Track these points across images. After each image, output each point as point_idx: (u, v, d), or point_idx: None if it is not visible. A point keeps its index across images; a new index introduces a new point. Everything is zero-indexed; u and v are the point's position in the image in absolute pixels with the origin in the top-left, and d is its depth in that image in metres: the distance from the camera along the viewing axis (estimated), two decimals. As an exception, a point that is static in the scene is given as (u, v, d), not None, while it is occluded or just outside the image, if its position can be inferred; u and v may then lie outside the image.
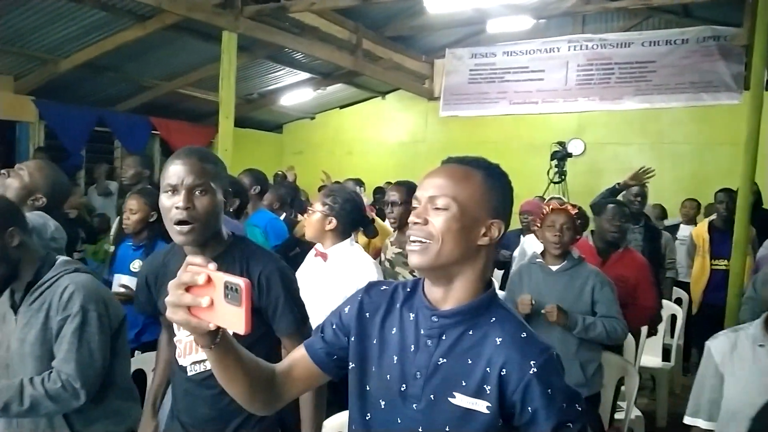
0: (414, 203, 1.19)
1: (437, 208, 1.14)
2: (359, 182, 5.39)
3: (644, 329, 3.68)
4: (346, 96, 9.56)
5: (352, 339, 1.22)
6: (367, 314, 1.23)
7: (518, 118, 8.46)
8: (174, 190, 1.46)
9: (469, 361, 1.13)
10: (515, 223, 5.72)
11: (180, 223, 1.45)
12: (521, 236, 4.58)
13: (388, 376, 1.18)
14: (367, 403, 1.21)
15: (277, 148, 10.10)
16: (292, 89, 8.68)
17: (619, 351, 3.17)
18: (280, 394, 1.23)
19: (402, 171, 8.03)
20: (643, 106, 7.78)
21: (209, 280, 0.96)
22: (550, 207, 2.79)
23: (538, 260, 2.83)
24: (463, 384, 1.12)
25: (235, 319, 0.95)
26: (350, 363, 1.22)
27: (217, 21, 5.46)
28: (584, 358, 2.68)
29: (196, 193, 1.46)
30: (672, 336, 4.38)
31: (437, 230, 1.13)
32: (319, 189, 7.01)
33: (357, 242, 2.61)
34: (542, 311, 2.61)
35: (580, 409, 1.13)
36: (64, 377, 1.59)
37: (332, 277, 2.37)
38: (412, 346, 1.17)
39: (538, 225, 2.85)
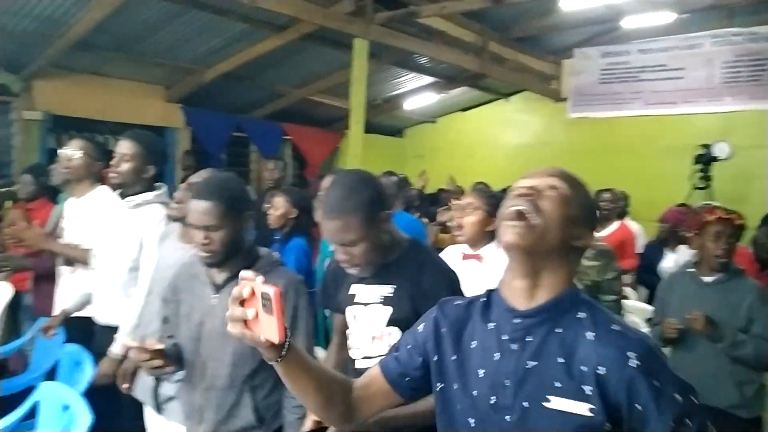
0: (518, 190, 1.11)
1: (550, 187, 1.09)
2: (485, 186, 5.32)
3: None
4: (469, 99, 9.49)
5: (434, 359, 1.17)
6: (444, 331, 1.18)
7: (654, 119, 7.92)
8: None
9: (561, 361, 1.04)
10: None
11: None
12: (663, 247, 4.30)
13: (475, 392, 1.10)
14: (456, 423, 1.13)
15: (398, 153, 10.21)
16: (415, 94, 8.75)
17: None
18: (357, 410, 1.21)
19: (527, 175, 7.86)
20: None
21: (254, 293, 1.01)
22: (715, 216, 2.56)
23: (691, 270, 2.63)
24: (558, 386, 1.03)
25: (271, 328, 0.99)
26: (435, 384, 1.17)
27: (349, 28, 5.62)
28: (741, 378, 2.46)
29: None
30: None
31: (546, 206, 1.06)
32: (439, 192, 7.06)
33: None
34: (686, 316, 2.42)
35: (696, 401, 1.01)
36: None
37: (492, 279, 2.33)
38: (497, 354, 1.09)
39: (692, 233, 2.64)
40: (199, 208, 1.66)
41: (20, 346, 3.35)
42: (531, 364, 1.06)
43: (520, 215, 1.06)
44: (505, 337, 1.09)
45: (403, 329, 1.58)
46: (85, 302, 2.65)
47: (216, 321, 1.71)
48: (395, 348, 1.25)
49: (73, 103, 6.33)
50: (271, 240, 3.40)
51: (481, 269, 2.40)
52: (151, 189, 2.53)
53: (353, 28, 5.64)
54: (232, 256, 1.71)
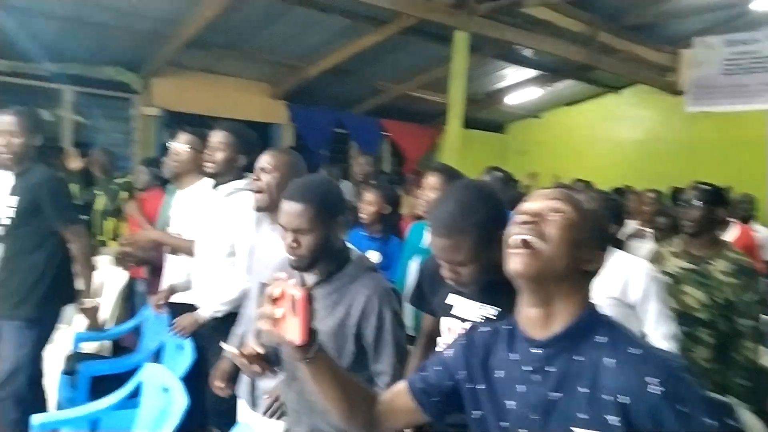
0: (523, 210, 1.09)
1: (554, 211, 1.06)
2: (588, 185, 5.05)
3: None
4: (576, 92, 9.07)
5: (467, 386, 1.16)
6: (472, 359, 1.17)
7: (786, 113, 7.20)
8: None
9: (584, 391, 1.01)
10: None
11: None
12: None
13: (506, 423, 1.09)
14: None
15: (500, 149, 9.96)
16: (518, 88, 8.48)
17: None
18: (380, 422, 1.22)
19: (638, 173, 7.38)
20: None
21: (284, 293, 1.08)
22: None
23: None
24: (582, 417, 1.00)
25: (295, 329, 1.05)
26: (470, 411, 1.16)
27: (450, 21, 5.52)
28: None
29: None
30: None
31: (550, 232, 1.04)
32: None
33: None
34: None
35: (734, 423, 0.95)
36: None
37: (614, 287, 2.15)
38: (521, 386, 1.08)
39: None
40: (291, 210, 1.61)
41: (132, 328, 3.56)
42: (554, 395, 1.04)
43: (524, 243, 1.04)
44: (526, 368, 1.08)
45: None
46: (190, 284, 2.76)
47: None
48: (423, 368, 1.25)
49: (187, 99, 6.70)
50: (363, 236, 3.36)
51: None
52: (241, 178, 2.59)
53: (454, 20, 5.54)
54: (321, 260, 1.66)
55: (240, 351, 1.54)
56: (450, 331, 1.61)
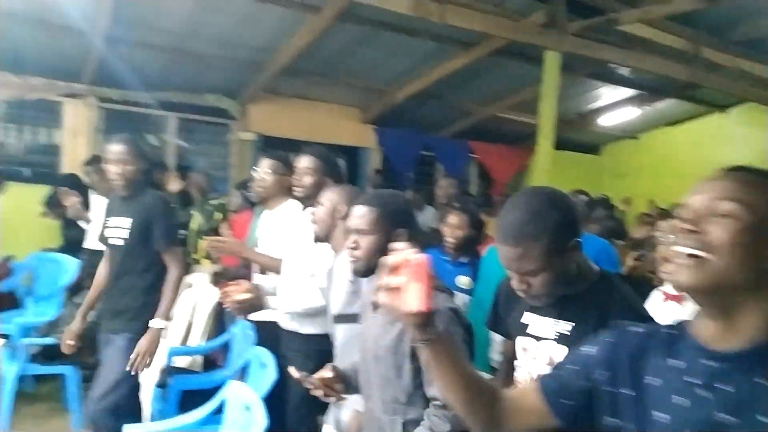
0: (682, 213, 0.93)
1: (719, 215, 0.88)
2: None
3: None
4: (678, 112, 8.57)
5: (606, 389, 1.03)
6: (620, 360, 1.02)
7: None
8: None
9: (764, 420, 0.84)
10: None
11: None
12: None
13: None
14: None
15: (595, 171, 9.57)
16: (613, 108, 8.14)
17: None
18: (504, 420, 1.10)
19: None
20: None
21: (404, 262, 1.02)
22: None
23: None
24: None
25: (415, 296, 1.00)
26: (603, 417, 1.03)
27: (541, 41, 5.40)
28: None
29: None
30: None
31: (718, 241, 0.87)
32: (642, 216, 6.43)
33: None
34: None
35: None
36: None
37: None
38: (680, 399, 0.93)
39: None
40: (356, 212, 1.71)
41: (222, 344, 3.68)
42: (725, 418, 0.87)
43: (689, 255, 0.90)
44: (691, 380, 0.93)
45: None
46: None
47: (368, 342, 1.67)
48: (559, 366, 1.13)
49: (280, 124, 6.97)
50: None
51: (681, 312, 2.06)
52: None
53: (545, 40, 5.41)
54: (377, 269, 1.66)
55: (315, 377, 1.54)
56: (525, 351, 1.52)
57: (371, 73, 6.66)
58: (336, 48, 5.91)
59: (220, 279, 3.66)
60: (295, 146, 7.11)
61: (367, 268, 1.68)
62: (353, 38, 5.74)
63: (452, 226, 3.21)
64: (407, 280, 1.01)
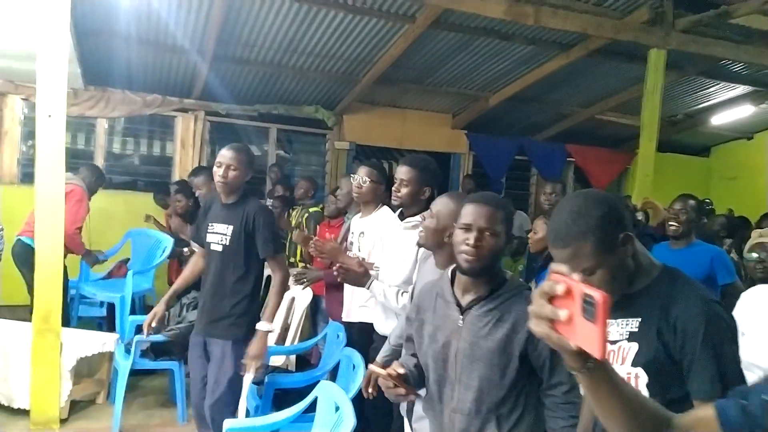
0: None
1: None
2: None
3: None
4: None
5: None
6: None
7: None
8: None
9: None
10: None
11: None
12: None
13: None
14: None
15: (703, 174, 8.96)
16: (725, 106, 7.58)
17: None
18: None
19: None
20: None
21: (570, 292, 0.87)
22: None
23: None
24: None
25: (590, 339, 0.84)
26: None
27: (645, 39, 5.13)
28: None
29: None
30: None
31: None
32: (763, 219, 5.89)
33: None
34: None
35: None
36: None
37: None
38: None
39: None
40: (479, 211, 1.69)
41: (315, 344, 3.79)
42: None
43: None
44: None
45: (649, 370, 1.34)
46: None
47: (463, 344, 1.67)
48: (743, 393, 0.98)
49: (374, 133, 7.10)
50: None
51: None
52: (427, 209, 2.62)
53: (649, 38, 5.14)
54: (487, 272, 1.69)
55: (386, 372, 1.56)
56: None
57: (465, 79, 6.63)
58: (430, 56, 5.94)
59: (303, 280, 3.78)
60: (389, 153, 7.30)
61: (482, 268, 1.68)
62: (447, 45, 5.75)
63: (536, 232, 3.15)
64: (573, 314, 0.86)
